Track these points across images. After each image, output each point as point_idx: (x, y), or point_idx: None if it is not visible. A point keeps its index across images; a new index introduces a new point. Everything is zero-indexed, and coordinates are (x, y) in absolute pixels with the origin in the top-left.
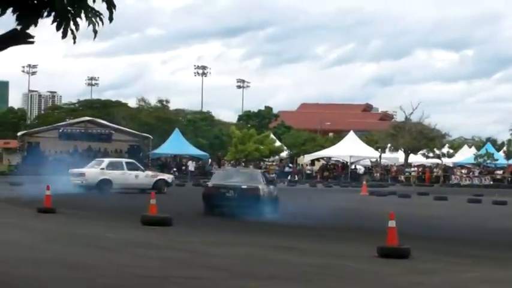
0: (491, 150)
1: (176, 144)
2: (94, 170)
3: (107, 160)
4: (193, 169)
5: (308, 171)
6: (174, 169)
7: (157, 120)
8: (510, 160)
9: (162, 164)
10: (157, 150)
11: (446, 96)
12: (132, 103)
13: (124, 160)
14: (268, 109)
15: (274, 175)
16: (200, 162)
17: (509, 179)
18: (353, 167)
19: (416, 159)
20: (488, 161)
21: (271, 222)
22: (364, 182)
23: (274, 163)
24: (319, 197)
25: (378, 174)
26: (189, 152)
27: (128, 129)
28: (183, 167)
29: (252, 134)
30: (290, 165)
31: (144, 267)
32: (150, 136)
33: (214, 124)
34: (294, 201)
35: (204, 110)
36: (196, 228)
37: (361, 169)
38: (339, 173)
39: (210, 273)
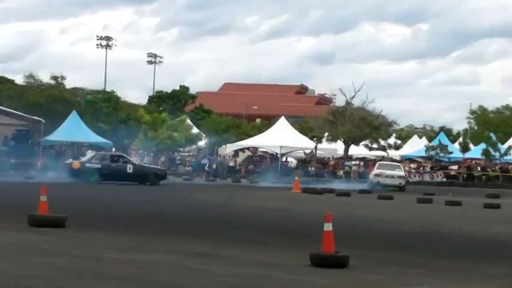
0: (445, 141)
1: (73, 130)
2: None
3: None
4: None
5: (231, 164)
6: (70, 159)
7: (50, 100)
8: (467, 153)
9: (57, 153)
10: (50, 137)
11: (395, 77)
12: (20, 79)
13: None
14: (185, 89)
15: (189, 168)
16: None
17: (465, 175)
18: (284, 159)
19: (358, 151)
20: (442, 154)
21: (193, 224)
22: (296, 178)
23: (190, 153)
24: (244, 194)
25: (313, 168)
26: (89, 140)
27: (14, 111)
28: (82, 157)
29: (164, 118)
30: (210, 156)
31: (27, 277)
32: (42, 120)
33: (120, 107)
34: (211, 200)
35: (108, 89)
36: (100, 231)
37: (293, 162)
38: (267, 166)
39: (112, 285)
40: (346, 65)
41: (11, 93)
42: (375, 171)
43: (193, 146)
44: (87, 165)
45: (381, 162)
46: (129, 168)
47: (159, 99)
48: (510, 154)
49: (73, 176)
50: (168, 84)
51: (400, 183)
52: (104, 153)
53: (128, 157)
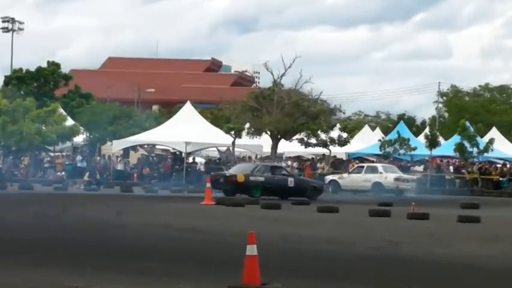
0: (406, 133)
1: None
2: None
3: None
4: None
5: (119, 167)
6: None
7: None
8: (435, 150)
9: None
10: None
11: (340, 49)
12: None
13: None
14: (54, 67)
15: (62, 173)
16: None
17: (433, 178)
18: (191, 159)
19: (290, 147)
20: (402, 151)
21: (71, 251)
22: (208, 185)
23: (63, 153)
24: (137, 208)
25: None
26: None
27: None
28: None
29: (28, 106)
30: (82, 157)
31: None
32: None
33: None
34: (92, 217)
35: None
36: None
37: (202, 164)
38: (168, 169)
39: None
40: (273, 33)
41: None
42: (393, 174)
43: (68, 144)
44: (252, 178)
45: (384, 164)
46: (290, 182)
47: (19, 80)
48: (492, 150)
49: (236, 190)
50: (31, 60)
51: (413, 188)
52: (266, 164)
53: (286, 168)
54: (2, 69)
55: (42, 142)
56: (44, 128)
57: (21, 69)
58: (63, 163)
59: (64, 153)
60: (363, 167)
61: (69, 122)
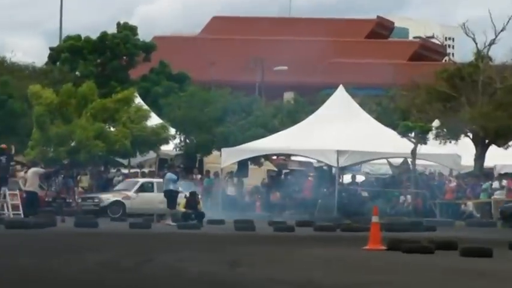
0: None
1: None
2: None
3: None
4: None
5: (230, 193)
6: None
7: None
8: None
9: None
10: None
11: None
12: None
13: None
14: (128, 32)
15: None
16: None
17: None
18: (347, 178)
19: (506, 159)
20: None
21: None
22: (375, 218)
23: (144, 170)
24: (262, 256)
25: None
26: None
27: None
28: None
29: (86, 94)
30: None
31: None
32: None
33: None
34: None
35: None
36: None
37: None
38: (309, 194)
39: None
40: None
41: None
42: None
43: (151, 155)
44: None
45: None
46: None
47: (72, 53)
48: None
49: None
50: (91, 23)
51: None
52: None
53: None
54: (47, 37)
55: (110, 152)
56: (111, 129)
57: (77, 36)
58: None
59: (145, 170)
60: None
61: (153, 119)
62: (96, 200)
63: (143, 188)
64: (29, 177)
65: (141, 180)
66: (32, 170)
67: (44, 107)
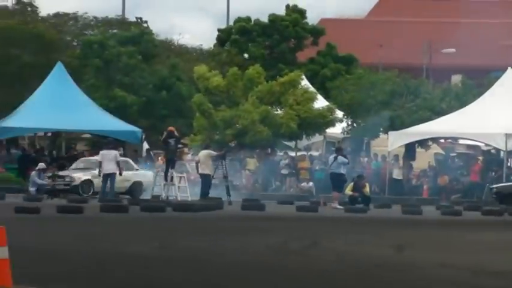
0: None
1: (56, 106)
2: None
3: None
4: (111, 170)
5: (396, 176)
6: (41, 167)
7: (7, 42)
8: None
9: (22, 158)
10: (5, 122)
11: None
12: None
13: None
14: (297, 14)
15: (309, 184)
16: (120, 152)
17: None
18: None
19: None
20: None
21: None
22: None
23: (310, 153)
24: (430, 240)
25: None
26: (93, 126)
27: None
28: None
29: (253, 77)
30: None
31: None
32: None
33: (155, 54)
34: None
35: (129, 17)
36: None
37: None
38: (477, 178)
39: None
40: None
41: None
42: None
43: (317, 138)
44: None
45: None
46: None
47: (242, 34)
48: None
49: None
50: (258, 4)
51: None
52: None
53: None
54: (214, 20)
55: (276, 135)
56: (278, 111)
57: (247, 18)
58: (310, 168)
59: (312, 153)
60: None
61: (320, 102)
62: (67, 179)
63: None
64: (202, 160)
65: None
66: (204, 152)
67: (202, 94)
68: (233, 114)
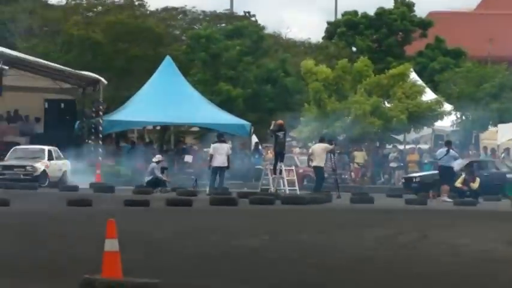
0: None
1: (165, 99)
2: None
3: None
4: (222, 163)
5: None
6: (156, 160)
7: (118, 35)
8: None
9: (133, 150)
10: (116, 115)
11: None
12: None
13: None
14: (405, 8)
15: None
16: (230, 147)
17: None
18: None
19: None
20: None
21: None
22: None
23: (419, 146)
24: None
25: None
26: (201, 119)
27: (45, 62)
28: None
29: (361, 70)
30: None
31: None
32: (101, 78)
33: (264, 47)
34: None
35: (237, 11)
36: None
37: None
38: None
39: None
40: None
41: (42, 22)
42: None
43: (426, 131)
44: None
45: None
46: None
47: (350, 27)
48: None
49: None
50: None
51: None
52: None
53: None
54: (323, 13)
55: (386, 127)
56: (386, 104)
57: (354, 12)
58: (419, 161)
59: (420, 146)
60: None
61: (428, 95)
62: (29, 169)
63: (51, 156)
64: (318, 153)
65: (47, 148)
66: (320, 145)
67: (320, 83)
68: (343, 106)
